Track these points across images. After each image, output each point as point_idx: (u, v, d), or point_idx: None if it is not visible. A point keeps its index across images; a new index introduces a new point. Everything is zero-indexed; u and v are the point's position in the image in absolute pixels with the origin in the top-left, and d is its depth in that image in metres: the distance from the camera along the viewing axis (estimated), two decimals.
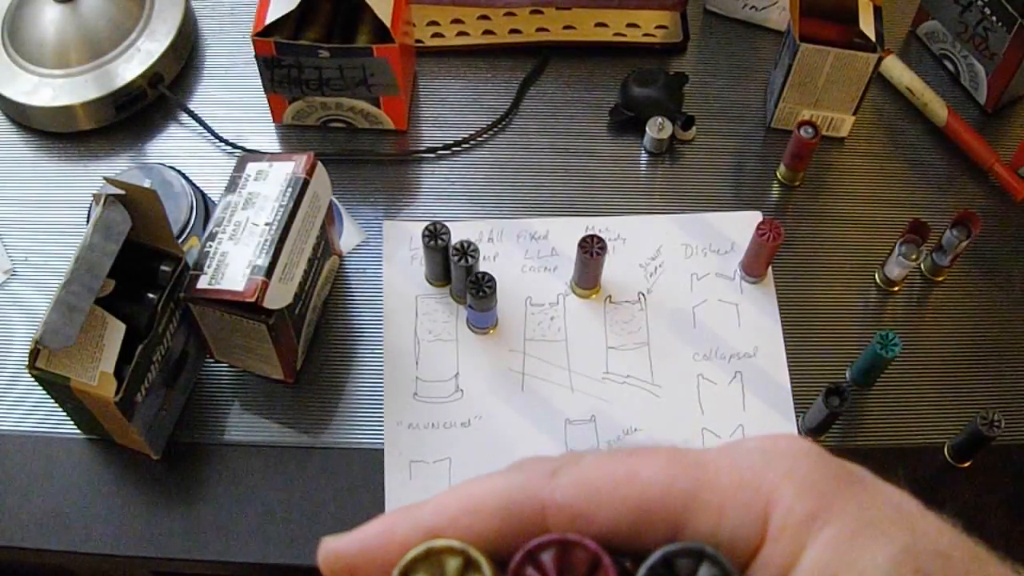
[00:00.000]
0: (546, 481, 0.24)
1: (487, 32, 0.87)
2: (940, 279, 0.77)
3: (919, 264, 0.76)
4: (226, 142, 0.82)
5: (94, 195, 0.61)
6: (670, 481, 0.23)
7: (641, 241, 0.78)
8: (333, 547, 0.25)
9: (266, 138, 0.83)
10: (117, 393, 0.60)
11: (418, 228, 0.74)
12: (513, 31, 0.87)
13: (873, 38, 0.75)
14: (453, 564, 0.23)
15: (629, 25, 0.87)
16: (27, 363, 0.60)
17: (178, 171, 0.75)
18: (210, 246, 0.64)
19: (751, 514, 0.23)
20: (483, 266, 0.75)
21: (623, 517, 0.23)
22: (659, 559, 0.23)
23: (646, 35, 0.87)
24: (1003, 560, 0.24)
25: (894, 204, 0.80)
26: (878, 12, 0.77)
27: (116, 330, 0.61)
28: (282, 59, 0.76)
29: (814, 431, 0.69)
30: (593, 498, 0.24)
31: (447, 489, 0.25)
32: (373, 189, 0.81)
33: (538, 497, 0.24)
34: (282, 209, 0.65)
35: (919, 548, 0.23)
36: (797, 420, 0.71)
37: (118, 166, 0.81)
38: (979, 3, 0.80)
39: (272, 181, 0.66)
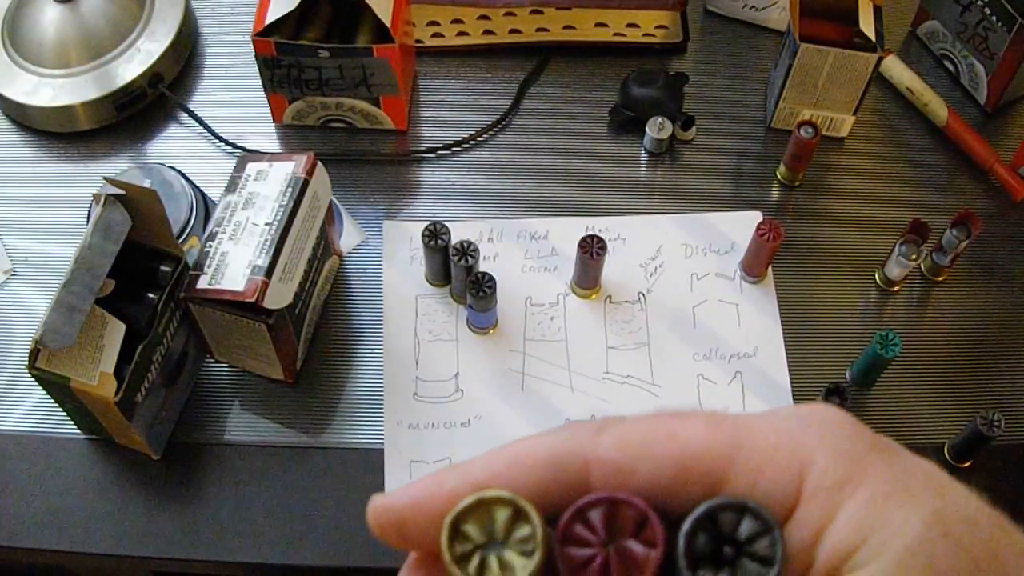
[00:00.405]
0: (590, 438, 0.25)
1: (487, 32, 0.87)
2: (940, 279, 0.77)
3: (919, 264, 0.76)
4: (226, 142, 0.82)
5: (94, 195, 0.61)
6: (709, 440, 0.24)
7: (641, 241, 0.78)
8: (382, 502, 0.25)
9: (266, 138, 0.83)
10: (117, 393, 0.60)
11: (418, 228, 0.74)
12: (513, 31, 0.87)
13: (873, 38, 0.75)
14: (503, 514, 0.23)
15: (629, 25, 0.87)
16: (27, 363, 0.60)
17: (178, 171, 0.75)
18: (210, 246, 0.64)
19: (788, 475, 0.24)
20: (483, 266, 0.75)
21: (664, 473, 0.24)
22: (703, 512, 0.23)
23: (646, 35, 0.87)
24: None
25: (894, 204, 0.80)
26: (878, 12, 0.77)
27: (116, 330, 0.61)
28: (282, 59, 0.76)
29: None
30: (635, 454, 0.24)
31: (494, 448, 0.25)
32: (373, 189, 0.81)
33: (582, 453, 0.24)
34: (282, 209, 0.65)
35: (948, 512, 0.23)
36: None
37: (118, 166, 0.81)
38: (979, 3, 0.80)
39: (272, 181, 0.66)
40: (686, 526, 0.23)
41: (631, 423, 0.25)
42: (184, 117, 0.84)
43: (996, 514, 0.25)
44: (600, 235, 0.71)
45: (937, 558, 0.23)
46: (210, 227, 0.65)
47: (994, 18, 0.79)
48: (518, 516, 0.23)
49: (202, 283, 0.62)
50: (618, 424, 0.25)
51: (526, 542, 0.23)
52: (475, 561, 0.23)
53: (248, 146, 0.82)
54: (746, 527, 0.23)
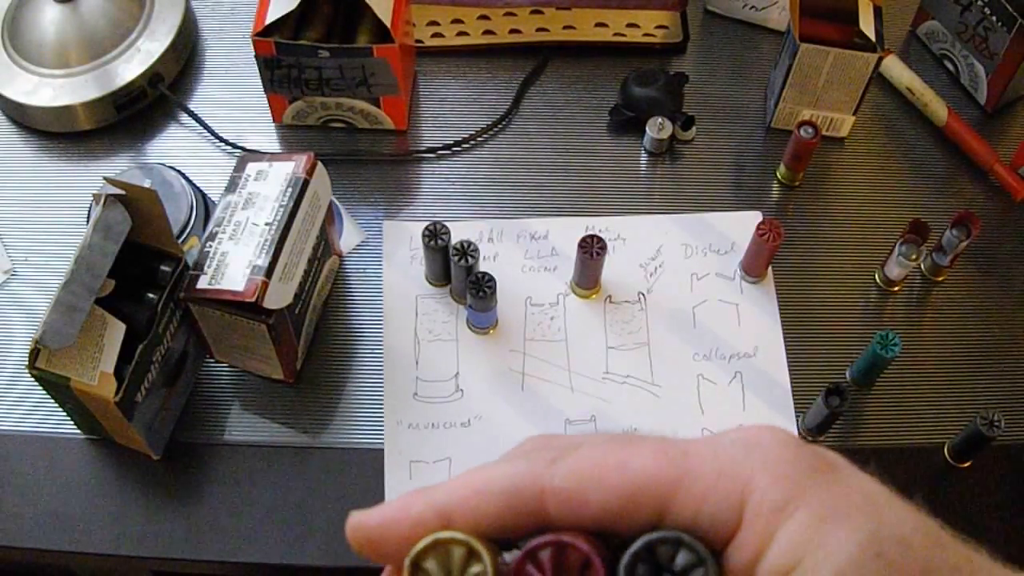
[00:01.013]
0: (545, 468, 0.26)
1: (487, 32, 0.87)
2: (940, 279, 0.77)
3: (919, 264, 0.76)
4: (226, 142, 0.82)
5: (94, 195, 0.61)
6: (656, 470, 0.26)
7: (641, 241, 0.78)
8: (357, 520, 0.27)
9: (266, 138, 0.83)
10: (117, 393, 0.60)
11: (418, 228, 0.74)
12: (513, 31, 0.87)
13: (873, 38, 0.75)
14: (459, 552, 0.26)
15: (629, 25, 0.87)
16: (27, 363, 0.60)
17: (178, 171, 0.75)
18: (210, 246, 0.64)
19: (729, 501, 0.25)
20: (483, 266, 0.75)
21: (614, 502, 0.26)
22: (641, 546, 0.25)
23: (646, 35, 0.88)
24: (966, 543, 0.26)
25: (894, 204, 0.80)
26: (878, 12, 0.77)
27: (116, 330, 0.61)
28: (282, 59, 0.76)
29: (814, 431, 0.69)
30: (586, 485, 0.26)
31: (458, 475, 0.27)
32: (373, 189, 0.81)
33: (538, 483, 0.26)
34: (282, 209, 0.65)
35: (883, 534, 0.25)
36: (797, 420, 0.71)
37: (118, 166, 0.81)
38: (979, 3, 0.80)
39: (272, 181, 0.66)
40: (625, 559, 0.25)
41: (584, 453, 0.27)
42: (184, 117, 0.84)
43: (934, 532, 0.26)
44: (600, 235, 0.71)
45: None
46: (210, 227, 0.65)
47: (994, 18, 0.79)
48: (472, 555, 0.25)
49: (202, 283, 0.62)
50: (572, 454, 0.27)
51: None
52: None
53: (248, 146, 0.82)
54: (681, 559, 0.25)
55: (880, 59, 0.76)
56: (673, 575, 0.25)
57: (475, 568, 0.25)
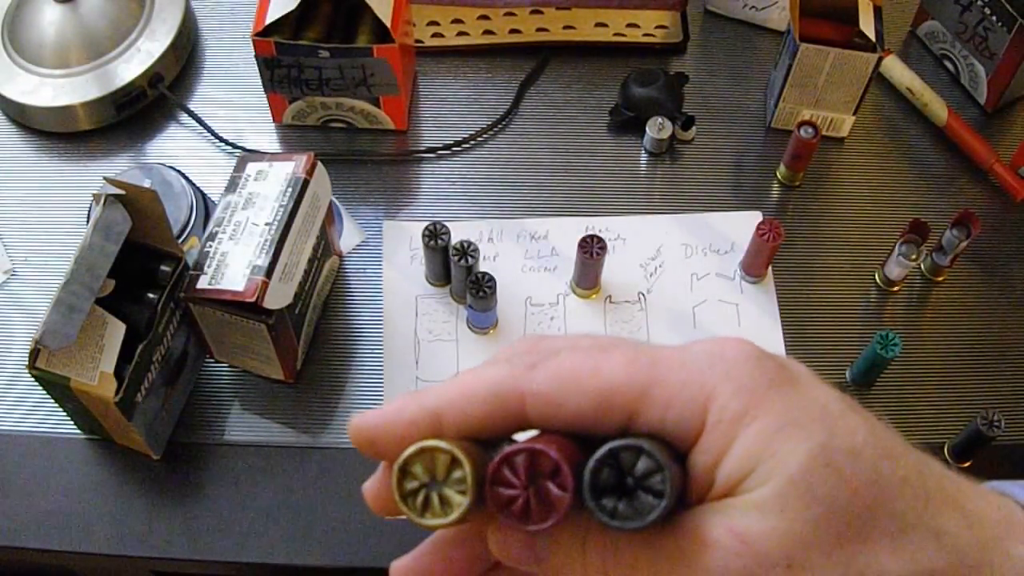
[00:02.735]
0: (526, 373, 0.29)
1: (487, 32, 0.87)
2: (940, 279, 0.77)
3: (919, 264, 0.76)
4: (226, 142, 0.82)
5: (94, 195, 0.61)
6: (628, 377, 0.28)
7: (641, 241, 0.78)
8: (359, 421, 0.30)
9: (266, 138, 0.83)
10: (117, 393, 0.60)
11: (418, 228, 0.74)
12: (513, 31, 0.87)
13: (873, 38, 0.75)
14: (443, 459, 0.28)
15: (629, 25, 0.87)
16: (27, 363, 0.60)
17: (178, 171, 0.75)
18: (210, 246, 0.64)
19: (693, 408, 0.27)
20: (483, 266, 0.75)
21: (587, 405, 0.28)
22: (606, 453, 0.27)
23: (646, 35, 0.88)
24: (919, 452, 0.28)
25: (894, 204, 0.80)
26: (878, 12, 0.77)
27: (116, 330, 0.61)
28: (282, 59, 0.76)
29: None
30: (563, 388, 0.28)
31: (448, 378, 0.30)
32: (373, 189, 0.81)
33: (518, 387, 0.29)
34: (282, 209, 0.65)
35: (834, 445, 0.26)
36: None
37: (118, 166, 0.81)
38: (979, 3, 0.80)
39: (272, 181, 0.66)
40: (591, 464, 0.27)
41: (562, 359, 0.29)
42: (184, 117, 0.84)
43: (886, 442, 0.27)
44: (600, 235, 0.71)
45: (816, 487, 0.26)
46: (210, 227, 0.65)
47: (994, 18, 0.79)
48: (455, 462, 0.28)
49: (202, 283, 0.62)
50: (551, 360, 0.29)
51: (461, 483, 0.28)
52: (420, 497, 0.28)
53: (248, 146, 0.82)
54: (642, 465, 0.27)
55: (880, 59, 0.76)
56: (634, 479, 0.27)
57: (457, 473, 0.28)
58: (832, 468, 0.26)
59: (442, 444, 0.28)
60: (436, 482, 0.28)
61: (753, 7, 0.88)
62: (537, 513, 0.27)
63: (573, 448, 0.28)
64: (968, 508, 0.28)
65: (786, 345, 0.73)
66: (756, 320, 0.74)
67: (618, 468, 0.27)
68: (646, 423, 0.28)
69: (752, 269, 0.75)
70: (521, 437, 0.30)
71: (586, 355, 0.29)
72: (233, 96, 0.85)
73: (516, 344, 0.31)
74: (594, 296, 0.75)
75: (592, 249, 0.71)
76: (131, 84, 0.81)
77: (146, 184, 0.71)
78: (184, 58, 0.86)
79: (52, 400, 0.65)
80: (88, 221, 0.62)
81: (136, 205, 0.61)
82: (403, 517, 0.28)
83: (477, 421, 0.29)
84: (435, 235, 0.71)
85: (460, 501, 0.27)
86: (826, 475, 0.26)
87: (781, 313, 0.75)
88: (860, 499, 0.26)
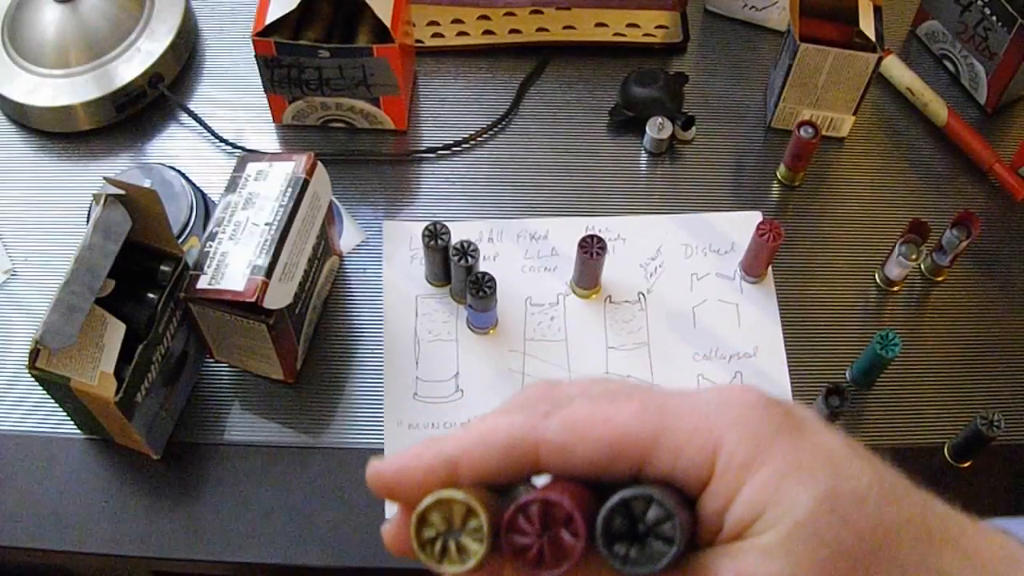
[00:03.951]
0: (540, 421, 0.30)
1: (487, 32, 0.87)
2: (940, 279, 0.77)
3: (919, 264, 0.76)
4: (226, 142, 0.82)
5: (94, 195, 0.61)
6: (639, 425, 0.29)
7: (641, 241, 0.78)
8: (376, 468, 0.31)
9: (266, 138, 0.83)
10: (117, 393, 0.60)
11: (418, 228, 0.74)
12: (513, 31, 0.87)
13: (873, 38, 0.75)
14: (459, 508, 0.29)
15: (629, 25, 0.87)
16: (27, 363, 0.60)
17: (178, 171, 0.75)
18: (210, 246, 0.64)
19: (702, 455, 0.28)
20: (483, 266, 0.75)
21: (600, 453, 0.29)
22: (618, 502, 0.28)
23: (646, 35, 0.88)
24: (922, 493, 0.29)
25: (894, 204, 0.80)
26: (878, 12, 0.77)
27: (116, 330, 0.61)
28: (282, 59, 0.76)
29: None
30: (576, 437, 0.29)
31: (463, 425, 0.31)
32: (373, 189, 0.81)
33: (533, 436, 0.30)
34: (282, 209, 0.65)
35: (839, 490, 0.27)
36: None
37: (118, 166, 0.81)
38: (979, 3, 0.80)
39: (272, 181, 0.66)
40: (603, 512, 0.28)
41: (575, 407, 0.30)
42: (184, 117, 0.84)
43: (890, 486, 0.28)
44: (600, 235, 0.71)
45: (822, 531, 0.27)
46: (210, 227, 0.65)
47: (994, 18, 0.79)
48: (470, 511, 0.29)
49: (202, 283, 0.62)
50: (564, 408, 0.30)
51: (477, 531, 0.29)
52: (438, 545, 0.29)
53: (248, 146, 0.82)
54: (653, 513, 0.28)
55: (880, 59, 0.76)
56: (645, 526, 0.28)
57: (473, 523, 0.29)
58: (838, 513, 0.27)
59: (459, 495, 0.29)
60: (453, 530, 0.29)
61: (753, 7, 0.88)
62: (551, 560, 0.28)
63: (585, 494, 0.29)
64: (970, 549, 0.29)
65: (786, 345, 0.73)
66: (756, 320, 0.74)
67: (629, 515, 0.28)
68: (656, 469, 0.29)
69: (752, 269, 0.75)
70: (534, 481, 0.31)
71: (598, 404, 0.30)
72: (233, 96, 0.85)
73: (528, 391, 0.32)
74: (594, 296, 0.75)
75: (592, 249, 0.71)
76: (131, 84, 0.81)
77: (146, 184, 0.71)
78: (184, 58, 0.86)
79: (52, 400, 0.65)
80: (88, 221, 0.62)
81: (136, 205, 0.61)
82: (420, 561, 0.29)
83: (493, 468, 0.30)
84: (435, 235, 0.71)
85: (477, 549, 0.29)
86: (832, 519, 0.27)
87: (781, 313, 0.75)
88: (865, 543, 0.27)
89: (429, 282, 0.76)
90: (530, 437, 0.29)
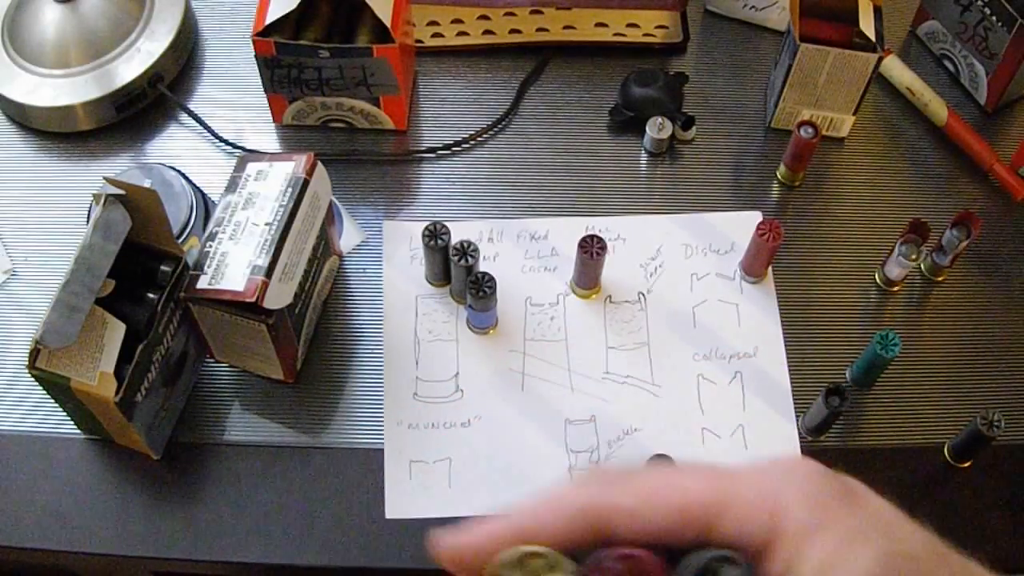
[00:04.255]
0: (610, 489, 0.31)
1: (487, 32, 0.87)
2: (940, 279, 0.77)
3: (919, 264, 0.76)
4: (226, 142, 0.82)
5: (94, 195, 0.61)
6: (709, 492, 0.30)
7: (641, 241, 0.78)
8: (449, 543, 0.31)
9: (266, 138, 0.83)
10: (117, 393, 0.60)
11: (418, 228, 0.74)
12: (513, 31, 0.87)
13: (873, 38, 0.75)
14: (540, 562, 0.29)
15: (629, 25, 0.87)
16: (27, 363, 0.60)
17: (178, 171, 0.75)
18: (210, 246, 0.64)
19: (769, 521, 0.30)
20: (483, 266, 0.75)
21: (670, 518, 0.30)
22: (707, 561, 0.29)
23: (646, 35, 0.88)
24: (963, 554, 0.31)
25: (894, 204, 0.80)
26: (878, 12, 0.77)
27: (116, 330, 0.61)
28: (282, 59, 0.76)
29: (814, 431, 0.69)
30: (649, 503, 0.30)
31: (533, 499, 0.32)
32: (373, 189, 0.81)
33: (607, 501, 0.31)
34: (282, 209, 0.65)
35: (896, 551, 0.29)
36: (797, 420, 0.71)
37: (118, 166, 0.81)
38: (979, 3, 0.80)
39: (272, 181, 0.66)
40: (693, 570, 0.29)
41: (646, 477, 0.31)
42: (184, 117, 0.84)
43: (938, 547, 0.30)
44: (600, 235, 0.71)
45: None
46: (210, 227, 0.65)
47: (994, 18, 0.79)
48: (552, 565, 0.29)
49: (202, 283, 0.62)
50: (635, 478, 0.31)
51: None
52: None
53: (248, 146, 0.82)
54: (731, 573, 0.29)
55: (880, 59, 0.76)
56: None
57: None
58: (896, 572, 0.28)
59: (541, 550, 0.29)
60: None
61: (753, 7, 0.88)
62: None
63: (659, 558, 0.30)
64: None
65: (786, 345, 0.73)
66: (756, 320, 0.74)
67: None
68: (722, 533, 0.30)
69: (752, 269, 0.75)
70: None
71: (668, 474, 0.32)
72: (233, 96, 0.85)
73: (590, 470, 0.34)
74: (594, 296, 0.75)
75: (592, 249, 0.71)
76: (131, 84, 0.81)
77: (146, 184, 0.71)
78: (184, 58, 0.86)
79: (52, 400, 0.65)
80: (88, 221, 0.62)
81: (136, 205, 0.61)
82: None
83: (565, 535, 0.30)
84: (435, 235, 0.71)
85: None
86: None
87: (781, 313, 0.75)
88: None
89: (429, 282, 0.76)
90: (605, 503, 0.31)
